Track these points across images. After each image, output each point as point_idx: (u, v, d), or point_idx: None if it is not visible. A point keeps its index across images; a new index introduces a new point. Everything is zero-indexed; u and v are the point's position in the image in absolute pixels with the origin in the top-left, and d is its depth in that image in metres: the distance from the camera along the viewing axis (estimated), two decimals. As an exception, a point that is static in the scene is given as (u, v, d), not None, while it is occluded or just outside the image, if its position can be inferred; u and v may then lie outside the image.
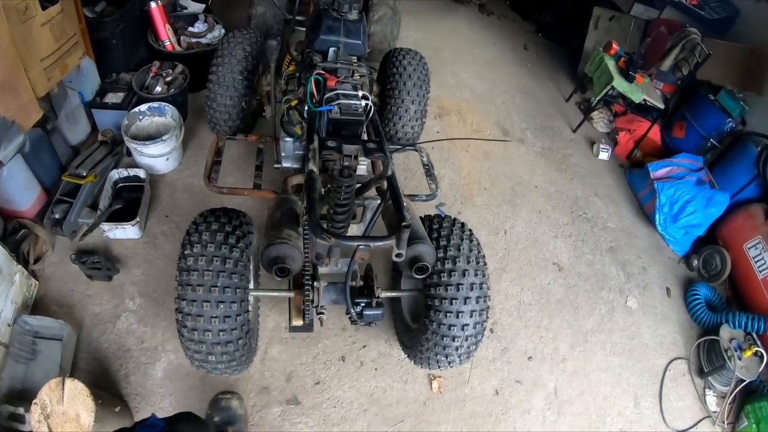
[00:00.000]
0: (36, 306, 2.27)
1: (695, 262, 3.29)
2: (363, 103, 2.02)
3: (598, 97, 3.54)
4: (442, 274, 1.89)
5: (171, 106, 2.78)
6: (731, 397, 2.70)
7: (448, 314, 1.87)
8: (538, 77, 4.38)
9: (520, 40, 4.78)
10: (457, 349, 1.96)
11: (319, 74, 2.12)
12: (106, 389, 2.10)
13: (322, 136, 1.94)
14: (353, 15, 2.35)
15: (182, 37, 3.08)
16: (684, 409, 2.73)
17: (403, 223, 1.52)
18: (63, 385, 1.76)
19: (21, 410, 1.92)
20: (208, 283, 1.69)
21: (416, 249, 1.62)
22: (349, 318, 2.00)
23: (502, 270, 2.93)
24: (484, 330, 1.98)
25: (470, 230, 2.05)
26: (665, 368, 2.82)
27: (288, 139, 2.37)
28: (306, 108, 2.15)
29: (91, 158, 2.58)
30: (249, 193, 2.41)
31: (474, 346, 2.00)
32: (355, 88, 2.11)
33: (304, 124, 2.31)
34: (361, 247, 1.57)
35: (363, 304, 1.96)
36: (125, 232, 2.50)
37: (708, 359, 2.83)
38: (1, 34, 1.90)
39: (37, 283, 2.31)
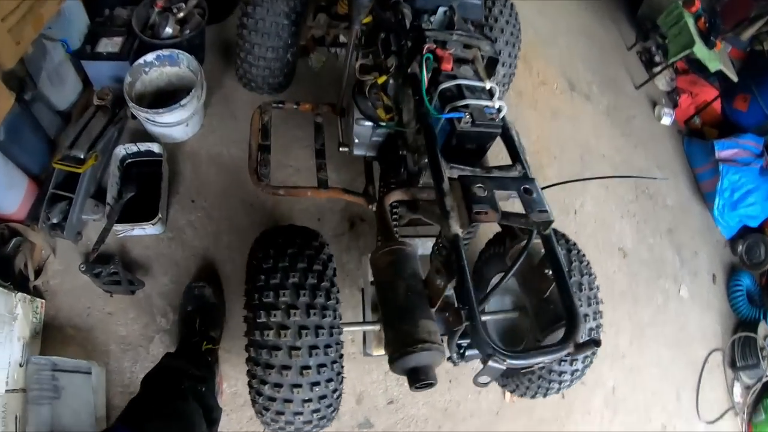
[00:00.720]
0: (47, 329, 1.80)
1: (740, 248, 3.23)
2: (497, 105, 1.45)
3: (673, 59, 3.10)
4: None
5: (186, 54, 2.05)
6: (754, 390, 2.81)
7: (562, 362, 1.62)
8: (598, 16, 3.79)
9: None
10: (560, 383, 1.73)
11: (431, 51, 1.50)
12: None
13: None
14: None
15: None
16: (714, 401, 2.82)
17: (595, 339, 1.16)
18: None
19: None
20: (298, 363, 1.28)
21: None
22: (450, 360, 1.73)
23: (568, 252, 2.72)
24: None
25: (587, 259, 1.73)
26: (705, 360, 2.84)
27: (366, 123, 1.80)
28: (419, 106, 1.44)
29: (88, 131, 1.89)
30: (313, 194, 1.91)
31: (577, 382, 1.82)
32: (477, 76, 1.48)
33: (389, 104, 1.74)
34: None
35: (465, 345, 1.68)
36: (144, 230, 1.97)
37: (742, 354, 2.88)
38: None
39: (43, 301, 1.80)
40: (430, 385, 1.19)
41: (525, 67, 3.16)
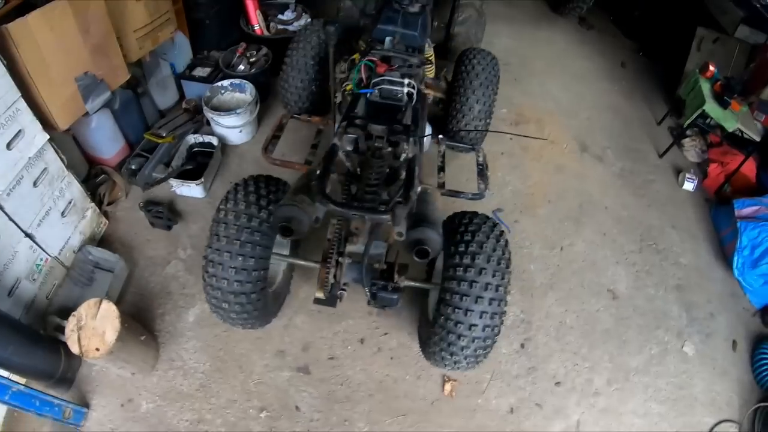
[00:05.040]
0: (102, 241, 2.60)
1: (771, 318, 2.84)
2: (405, 89, 2.04)
3: (688, 121, 3.21)
4: (458, 268, 1.83)
5: (250, 84, 3.01)
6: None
7: (456, 310, 1.82)
8: (632, 96, 4.06)
9: (619, 58, 4.45)
10: (462, 349, 1.89)
11: (370, 60, 2.18)
12: (143, 322, 2.33)
13: (359, 116, 2.00)
14: (414, 8, 2.40)
15: (272, 24, 3.34)
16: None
17: (397, 199, 1.53)
18: (99, 305, 1.96)
19: (66, 323, 2.16)
20: (232, 235, 1.83)
21: (421, 232, 1.58)
22: (367, 300, 2.02)
23: (549, 287, 2.76)
24: (495, 336, 1.89)
25: (502, 232, 1.97)
26: (711, 429, 2.45)
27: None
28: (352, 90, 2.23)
29: (173, 122, 2.89)
30: (299, 168, 2.53)
31: (482, 351, 1.92)
32: (403, 77, 2.14)
33: None
34: (354, 216, 1.59)
35: (379, 286, 1.97)
36: (190, 189, 2.76)
37: (764, 429, 2.42)
38: (99, 6, 2.23)
39: (107, 222, 2.63)
40: (290, 231, 1.61)
41: (537, 128, 3.54)
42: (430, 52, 2.86)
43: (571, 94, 3.92)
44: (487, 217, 2.01)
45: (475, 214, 2.02)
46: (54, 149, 2.21)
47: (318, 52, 2.80)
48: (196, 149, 2.93)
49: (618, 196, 3.25)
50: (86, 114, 2.37)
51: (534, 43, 4.38)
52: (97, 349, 1.91)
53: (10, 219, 2.03)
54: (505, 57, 4.09)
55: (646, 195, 3.30)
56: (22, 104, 1.98)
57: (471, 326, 1.82)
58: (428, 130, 2.52)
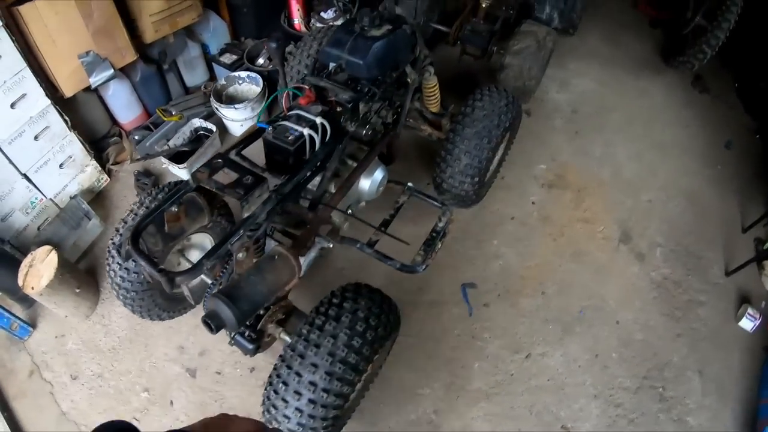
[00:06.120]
0: (99, 195, 2.90)
1: None
2: (305, 132, 1.77)
3: None
4: (289, 351, 1.62)
5: (261, 79, 3.02)
6: None
7: (273, 393, 1.62)
8: (723, 186, 3.06)
9: (726, 134, 3.36)
10: None
11: (297, 88, 1.96)
12: (93, 276, 2.59)
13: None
14: (377, 31, 2.04)
15: (312, 20, 3.26)
16: None
17: (160, 267, 1.41)
18: (50, 253, 2.24)
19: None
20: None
21: (211, 301, 1.41)
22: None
23: (485, 395, 2.25)
24: None
25: (386, 321, 1.68)
26: None
27: None
28: None
29: (187, 102, 3.05)
30: None
31: None
32: (321, 114, 1.85)
33: None
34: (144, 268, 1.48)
35: (236, 335, 1.83)
36: (176, 171, 2.90)
37: None
38: (104, -1, 2.46)
39: (108, 179, 2.92)
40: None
41: (573, 199, 2.88)
42: (432, 81, 2.48)
43: (640, 166, 3.11)
44: (373, 299, 1.71)
45: (358, 289, 1.74)
46: (58, 112, 2.53)
47: (314, 62, 2.65)
48: (201, 132, 3.05)
49: (642, 312, 2.50)
50: (89, 87, 2.63)
51: (622, 92, 3.55)
52: (32, 288, 2.21)
53: (10, 161, 2.41)
54: (576, 103, 3.44)
55: (683, 320, 2.48)
56: (28, 72, 2.32)
57: (284, 416, 1.60)
58: (379, 174, 2.24)
